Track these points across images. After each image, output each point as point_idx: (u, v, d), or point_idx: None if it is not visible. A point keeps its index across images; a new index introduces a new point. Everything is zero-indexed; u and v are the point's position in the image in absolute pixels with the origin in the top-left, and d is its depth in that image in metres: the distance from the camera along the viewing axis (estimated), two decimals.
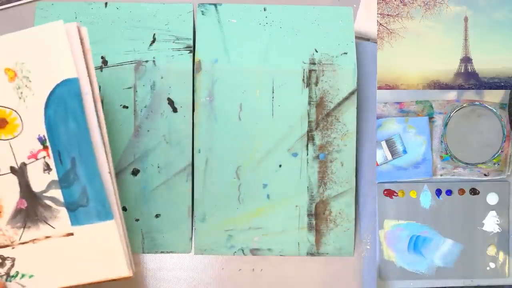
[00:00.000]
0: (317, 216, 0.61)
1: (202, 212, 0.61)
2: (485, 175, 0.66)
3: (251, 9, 0.62)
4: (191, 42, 0.61)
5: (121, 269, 0.48)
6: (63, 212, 0.48)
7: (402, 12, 0.68)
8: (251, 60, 0.60)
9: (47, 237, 0.48)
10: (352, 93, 0.60)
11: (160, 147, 0.60)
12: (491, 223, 0.66)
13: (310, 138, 0.61)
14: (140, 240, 0.61)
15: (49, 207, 0.48)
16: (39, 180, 0.48)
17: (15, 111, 0.47)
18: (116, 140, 0.60)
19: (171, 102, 0.60)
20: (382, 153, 0.66)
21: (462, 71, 0.68)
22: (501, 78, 0.67)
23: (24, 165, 0.48)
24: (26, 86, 0.47)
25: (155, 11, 0.62)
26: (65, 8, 0.61)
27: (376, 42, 0.67)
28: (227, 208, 0.61)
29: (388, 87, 0.67)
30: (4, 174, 0.48)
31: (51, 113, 0.47)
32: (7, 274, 0.49)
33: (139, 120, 0.60)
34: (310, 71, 0.60)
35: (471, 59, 0.68)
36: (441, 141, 0.66)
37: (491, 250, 0.66)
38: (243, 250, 0.61)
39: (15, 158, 0.48)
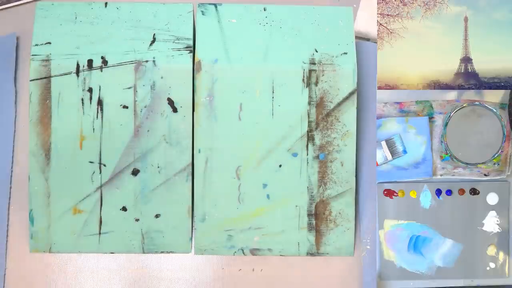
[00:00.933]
0: (317, 216, 0.61)
1: (202, 212, 0.61)
2: (485, 175, 0.66)
3: (251, 9, 0.62)
4: (191, 42, 0.61)
5: None
6: None
7: (402, 12, 0.68)
8: (251, 60, 0.60)
9: None
10: (352, 93, 0.60)
11: (160, 147, 0.60)
12: (491, 223, 0.66)
13: (310, 138, 0.61)
14: (140, 240, 0.61)
15: None
16: None
17: None
18: (116, 140, 0.60)
19: (171, 102, 0.60)
20: (382, 153, 0.66)
21: (462, 71, 0.68)
22: (501, 78, 0.67)
23: None
24: None
25: (155, 11, 0.62)
26: (65, 8, 0.61)
27: (376, 42, 0.67)
28: (227, 208, 0.61)
29: (388, 87, 0.67)
30: None
31: None
32: None
33: (139, 120, 0.60)
34: (310, 71, 0.60)
35: (471, 59, 0.68)
36: (441, 141, 0.66)
37: (491, 250, 0.66)
38: (243, 250, 0.61)
39: None
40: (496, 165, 0.66)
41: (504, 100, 0.67)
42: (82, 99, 0.59)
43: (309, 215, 0.61)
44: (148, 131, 0.60)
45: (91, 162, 0.60)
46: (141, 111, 0.60)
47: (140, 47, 0.60)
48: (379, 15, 0.68)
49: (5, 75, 0.65)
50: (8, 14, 0.67)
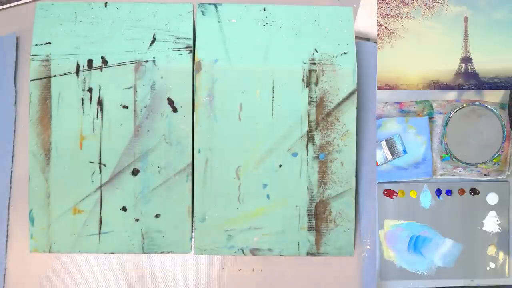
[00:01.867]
0: (317, 216, 0.61)
1: (202, 212, 0.61)
2: (485, 175, 0.66)
3: (251, 9, 0.62)
4: (191, 42, 0.61)
5: None
6: None
7: (402, 12, 0.68)
8: (251, 60, 0.60)
9: None
10: (352, 93, 0.60)
11: (160, 147, 0.60)
12: (491, 223, 0.66)
13: (310, 138, 0.61)
14: (140, 240, 0.61)
15: None
16: None
17: None
18: (116, 140, 0.60)
19: (171, 102, 0.60)
20: (382, 153, 0.66)
21: (462, 71, 0.68)
22: (501, 78, 0.67)
23: None
24: None
25: (155, 11, 0.62)
26: (65, 8, 0.61)
27: (376, 42, 0.67)
28: (227, 208, 0.61)
29: (388, 87, 0.67)
30: None
31: None
32: None
33: (139, 120, 0.60)
34: (310, 71, 0.60)
35: (471, 59, 0.68)
36: (441, 141, 0.66)
37: (491, 250, 0.66)
38: (243, 250, 0.61)
39: None
40: (496, 165, 0.66)
41: (504, 100, 0.67)
42: (82, 99, 0.59)
43: (309, 215, 0.61)
44: (148, 131, 0.60)
45: (91, 162, 0.60)
46: (141, 111, 0.60)
47: (140, 47, 0.60)
48: (379, 15, 0.68)
49: (5, 75, 0.65)
50: (8, 14, 0.67)
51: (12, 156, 0.64)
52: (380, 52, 0.67)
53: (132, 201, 0.60)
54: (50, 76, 0.59)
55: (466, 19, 0.68)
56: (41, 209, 0.60)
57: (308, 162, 0.61)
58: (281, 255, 0.62)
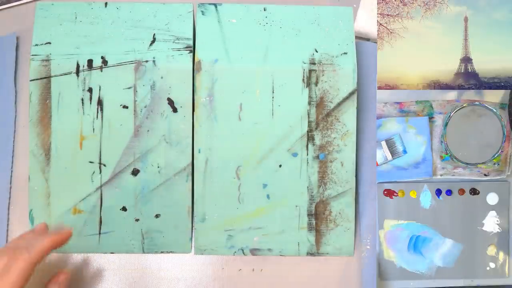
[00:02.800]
0: (317, 216, 0.61)
1: (202, 212, 0.61)
2: (485, 175, 0.66)
3: (251, 9, 0.62)
4: (191, 42, 0.61)
5: None
6: None
7: (402, 12, 0.68)
8: (251, 60, 0.60)
9: None
10: (352, 93, 0.60)
11: (160, 147, 0.60)
12: (491, 223, 0.66)
13: (310, 138, 0.61)
14: (140, 240, 0.61)
15: None
16: None
17: None
18: (116, 140, 0.60)
19: (171, 102, 0.60)
20: (382, 153, 0.66)
21: (462, 71, 0.68)
22: (501, 78, 0.67)
23: None
24: None
25: (155, 11, 0.62)
26: (65, 8, 0.61)
27: (376, 42, 0.67)
28: (227, 208, 0.61)
29: (388, 87, 0.67)
30: None
31: None
32: None
33: (139, 120, 0.60)
34: (310, 71, 0.60)
35: (471, 59, 0.68)
36: (441, 141, 0.66)
37: (491, 250, 0.66)
38: (243, 250, 0.61)
39: None
40: (496, 165, 0.66)
41: (504, 100, 0.66)
42: (82, 99, 0.59)
43: (309, 215, 0.61)
44: (148, 131, 0.60)
45: (91, 162, 0.60)
46: (141, 111, 0.60)
47: (140, 47, 0.60)
48: (379, 15, 0.68)
49: (5, 75, 0.65)
50: (8, 14, 0.67)
51: (12, 156, 0.64)
52: (380, 52, 0.67)
53: (132, 201, 0.60)
54: (50, 76, 0.59)
55: (466, 19, 0.68)
56: (41, 209, 0.60)
57: (308, 162, 0.61)
58: (281, 255, 0.62)
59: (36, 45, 0.60)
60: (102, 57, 0.60)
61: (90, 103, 0.59)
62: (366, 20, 0.68)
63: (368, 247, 0.64)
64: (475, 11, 0.68)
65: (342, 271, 0.64)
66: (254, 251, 0.61)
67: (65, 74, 0.59)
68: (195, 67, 0.60)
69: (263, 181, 0.61)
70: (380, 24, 0.68)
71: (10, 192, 0.64)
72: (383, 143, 0.66)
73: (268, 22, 0.62)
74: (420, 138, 0.66)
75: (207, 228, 0.61)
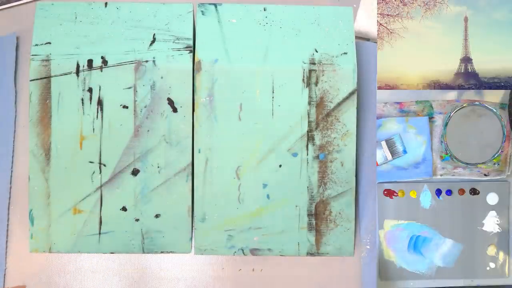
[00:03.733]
0: (317, 216, 0.61)
1: (202, 212, 0.61)
2: (485, 175, 0.66)
3: (251, 9, 0.62)
4: (191, 42, 0.61)
5: None
6: None
7: (402, 12, 0.68)
8: (251, 60, 0.60)
9: None
10: (352, 93, 0.60)
11: (160, 147, 0.60)
12: (491, 223, 0.66)
13: (310, 138, 0.61)
14: (140, 240, 0.61)
15: None
16: None
17: None
18: (116, 140, 0.60)
19: (171, 102, 0.60)
20: (382, 153, 0.66)
21: (462, 71, 0.68)
22: (501, 78, 0.67)
23: None
24: None
25: (155, 11, 0.62)
26: (65, 8, 0.61)
27: (376, 42, 0.67)
28: (227, 208, 0.61)
29: (388, 87, 0.67)
30: None
31: None
32: None
33: (139, 120, 0.60)
34: (310, 71, 0.60)
35: (471, 59, 0.68)
36: (441, 141, 0.66)
37: (491, 250, 0.66)
38: (243, 250, 0.61)
39: None
40: (496, 165, 0.66)
41: (504, 100, 0.67)
42: (82, 99, 0.59)
43: (309, 215, 0.61)
44: (148, 131, 0.60)
45: (91, 162, 0.60)
46: (141, 111, 0.60)
47: (140, 47, 0.60)
48: (379, 15, 0.68)
49: (5, 75, 0.65)
50: (8, 14, 0.67)
51: (12, 156, 0.64)
52: (380, 52, 0.67)
53: (132, 201, 0.60)
54: (50, 76, 0.59)
55: (466, 19, 0.68)
56: (41, 209, 0.60)
57: (308, 162, 0.61)
58: (281, 255, 0.62)
59: (36, 45, 0.60)
60: (102, 57, 0.60)
61: (90, 103, 0.59)
62: (366, 20, 0.68)
63: (368, 247, 0.65)
64: (475, 11, 0.68)
65: (342, 271, 0.64)
66: (254, 251, 0.61)
67: (65, 74, 0.59)
68: (195, 67, 0.60)
69: (263, 181, 0.61)
70: (380, 24, 0.68)
71: (10, 192, 0.64)
72: (383, 143, 0.66)
73: (268, 22, 0.62)
74: (420, 138, 0.66)
75: (207, 228, 0.61)
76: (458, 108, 0.65)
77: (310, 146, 0.61)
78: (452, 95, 0.67)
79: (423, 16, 0.68)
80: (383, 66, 0.67)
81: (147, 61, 0.60)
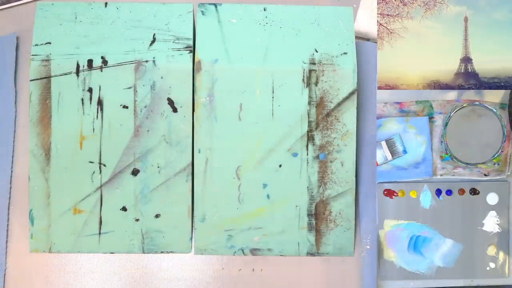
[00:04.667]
0: (317, 216, 0.61)
1: (202, 212, 0.61)
2: (485, 175, 0.66)
3: (251, 9, 0.62)
4: (191, 42, 0.61)
5: None
6: None
7: (402, 12, 0.68)
8: (251, 60, 0.60)
9: None
10: (352, 93, 0.60)
11: (160, 147, 0.60)
12: (491, 223, 0.66)
13: (310, 138, 0.61)
14: (140, 240, 0.61)
15: None
16: None
17: None
18: (116, 140, 0.60)
19: (171, 102, 0.60)
20: (382, 153, 0.66)
21: (462, 71, 0.68)
22: (501, 78, 0.67)
23: None
24: None
25: (155, 11, 0.62)
26: (65, 8, 0.61)
27: (376, 42, 0.67)
28: (227, 208, 0.61)
29: (388, 87, 0.67)
30: None
31: None
32: None
33: (139, 120, 0.60)
34: (310, 71, 0.60)
35: (471, 59, 0.68)
36: (441, 141, 0.66)
37: (491, 250, 0.66)
38: (243, 250, 0.61)
39: None
40: (496, 165, 0.66)
41: (504, 100, 0.67)
42: (82, 99, 0.59)
43: (309, 215, 0.61)
44: (148, 131, 0.60)
45: (91, 162, 0.60)
46: (141, 111, 0.60)
47: (140, 47, 0.60)
48: (379, 15, 0.68)
49: (5, 75, 0.65)
50: (8, 14, 0.67)
51: (12, 156, 0.64)
52: (380, 52, 0.67)
53: (132, 201, 0.60)
54: (50, 76, 0.59)
55: (466, 19, 0.68)
56: (41, 209, 0.60)
57: (308, 162, 0.61)
58: (281, 255, 0.62)
59: (36, 45, 0.60)
60: (102, 57, 0.60)
61: (90, 103, 0.59)
62: (366, 20, 0.68)
63: (368, 247, 0.65)
64: (475, 11, 0.68)
65: (342, 271, 0.64)
66: (254, 251, 0.61)
67: (65, 74, 0.59)
68: (195, 67, 0.60)
69: (263, 181, 0.61)
70: (380, 24, 0.68)
71: (10, 192, 0.64)
72: (383, 143, 0.66)
73: (268, 22, 0.62)
74: (420, 138, 0.66)
75: (207, 228, 0.61)
76: (458, 108, 0.65)
77: (310, 146, 0.61)
78: (452, 95, 0.67)
79: (423, 16, 0.68)
80: (383, 66, 0.67)
81: (147, 61, 0.60)
